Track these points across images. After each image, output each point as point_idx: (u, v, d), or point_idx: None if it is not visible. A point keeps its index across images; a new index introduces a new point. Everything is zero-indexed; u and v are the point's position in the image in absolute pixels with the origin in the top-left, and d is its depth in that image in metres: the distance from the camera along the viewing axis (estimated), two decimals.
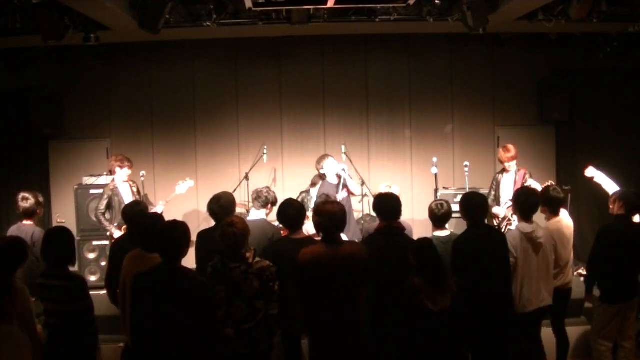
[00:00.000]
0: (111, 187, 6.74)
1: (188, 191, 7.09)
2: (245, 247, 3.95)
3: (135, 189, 6.87)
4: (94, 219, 7.09)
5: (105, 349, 5.14)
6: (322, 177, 7.09)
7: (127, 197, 6.74)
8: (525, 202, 4.78)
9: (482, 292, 4.30)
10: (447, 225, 5.15)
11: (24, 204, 5.39)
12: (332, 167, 6.58)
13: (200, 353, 3.52)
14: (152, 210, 6.54)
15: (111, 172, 6.95)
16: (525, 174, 6.76)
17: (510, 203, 6.61)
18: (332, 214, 4.05)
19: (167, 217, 7.71)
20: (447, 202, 5.08)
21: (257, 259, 3.98)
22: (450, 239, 4.85)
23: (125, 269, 4.23)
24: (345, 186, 6.44)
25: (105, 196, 6.71)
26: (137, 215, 4.59)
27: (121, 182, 6.79)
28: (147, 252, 4.15)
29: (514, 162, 6.80)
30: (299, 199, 6.86)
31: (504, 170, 6.91)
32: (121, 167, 6.75)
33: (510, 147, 6.83)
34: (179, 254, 3.62)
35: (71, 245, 4.12)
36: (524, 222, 4.73)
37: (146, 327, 3.50)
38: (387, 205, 4.63)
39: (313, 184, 7.26)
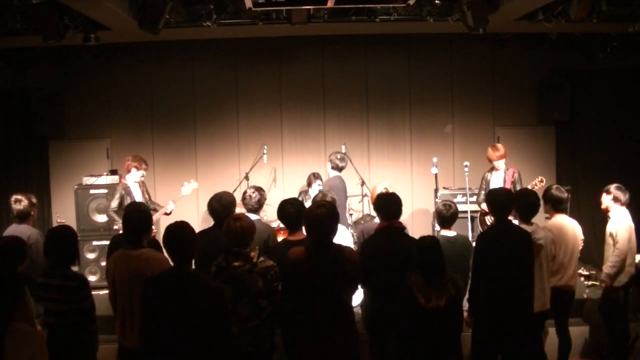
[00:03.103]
0: (124, 186, 6.71)
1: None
2: (251, 244, 3.94)
3: (144, 189, 6.86)
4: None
5: (105, 349, 5.13)
6: (316, 176, 7.17)
7: (138, 197, 6.72)
8: (524, 203, 4.77)
9: (500, 289, 4.29)
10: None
11: (17, 206, 5.33)
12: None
13: (212, 356, 3.50)
14: (163, 210, 6.57)
15: (126, 171, 6.84)
16: (514, 173, 6.82)
17: None
18: (320, 218, 3.90)
19: (167, 218, 7.76)
20: (454, 203, 5.10)
21: (262, 258, 3.97)
22: (457, 239, 4.90)
23: (112, 270, 4.22)
24: None
25: (118, 194, 6.65)
26: (133, 212, 4.56)
27: (133, 182, 6.77)
28: (132, 249, 4.11)
29: (503, 160, 6.89)
30: (299, 199, 6.87)
31: (492, 168, 6.96)
32: (138, 169, 6.70)
33: (499, 146, 6.96)
34: (189, 256, 3.58)
35: (74, 244, 4.11)
36: (524, 223, 4.73)
37: (158, 332, 3.49)
38: (389, 204, 4.60)
39: (309, 184, 7.28)
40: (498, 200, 4.57)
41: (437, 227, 6.11)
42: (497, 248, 4.39)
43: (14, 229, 5.26)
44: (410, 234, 5.26)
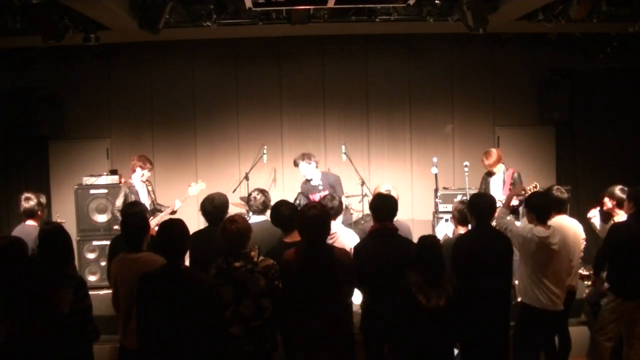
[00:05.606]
0: (128, 185, 6.68)
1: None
2: (247, 245, 3.94)
3: (150, 189, 6.82)
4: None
5: (105, 349, 5.14)
6: (305, 157, 7.14)
7: (143, 196, 6.68)
8: (540, 204, 4.69)
9: (478, 291, 4.28)
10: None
11: (25, 204, 5.39)
12: (306, 171, 6.83)
13: (206, 353, 3.51)
14: (170, 209, 6.55)
15: (132, 171, 6.84)
16: (513, 173, 6.83)
17: (501, 204, 6.61)
18: (312, 219, 3.92)
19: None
20: None
21: (262, 257, 3.98)
22: None
23: (113, 274, 4.21)
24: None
25: (122, 193, 6.60)
26: (131, 215, 4.56)
27: (138, 181, 6.75)
28: (130, 253, 4.11)
29: (499, 164, 6.91)
30: (297, 199, 6.87)
31: (490, 172, 7.00)
32: (142, 168, 6.68)
33: (492, 153, 6.94)
34: (181, 252, 3.61)
35: (68, 244, 4.10)
36: (541, 225, 4.60)
37: (153, 329, 3.50)
38: (385, 205, 4.59)
39: (296, 165, 7.24)
40: (481, 206, 4.53)
41: (442, 227, 6.12)
42: (476, 252, 4.37)
43: (21, 228, 5.32)
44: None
